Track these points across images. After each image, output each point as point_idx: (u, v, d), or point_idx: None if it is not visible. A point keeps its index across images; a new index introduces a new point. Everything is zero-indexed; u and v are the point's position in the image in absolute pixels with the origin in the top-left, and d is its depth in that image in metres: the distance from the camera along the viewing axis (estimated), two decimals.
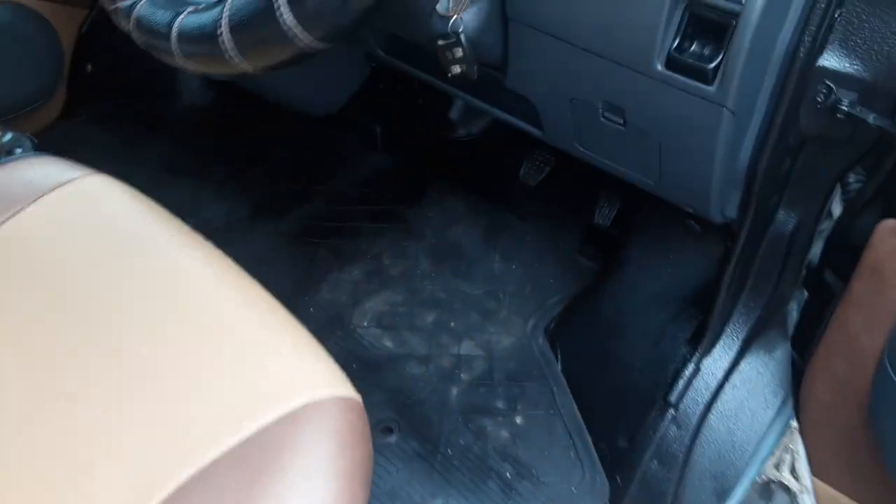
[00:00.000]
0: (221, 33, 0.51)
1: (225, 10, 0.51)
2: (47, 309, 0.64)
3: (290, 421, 0.56)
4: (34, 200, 0.74)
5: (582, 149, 0.75)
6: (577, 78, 0.66)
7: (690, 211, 0.72)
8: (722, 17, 0.52)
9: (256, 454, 0.54)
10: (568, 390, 0.99)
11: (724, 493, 0.80)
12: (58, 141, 1.02)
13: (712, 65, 0.54)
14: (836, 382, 0.65)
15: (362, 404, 0.61)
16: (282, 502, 0.52)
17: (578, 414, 0.96)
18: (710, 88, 0.56)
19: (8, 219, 0.72)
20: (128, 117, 1.49)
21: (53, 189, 0.75)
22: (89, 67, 1.51)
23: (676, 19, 0.55)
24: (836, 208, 0.71)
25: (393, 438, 0.97)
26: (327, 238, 1.25)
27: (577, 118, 0.71)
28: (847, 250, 0.64)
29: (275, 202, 1.32)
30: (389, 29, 0.84)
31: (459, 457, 0.95)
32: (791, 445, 0.93)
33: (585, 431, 0.94)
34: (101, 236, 0.71)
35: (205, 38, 0.52)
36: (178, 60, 0.56)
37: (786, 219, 0.71)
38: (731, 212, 0.69)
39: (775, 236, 0.72)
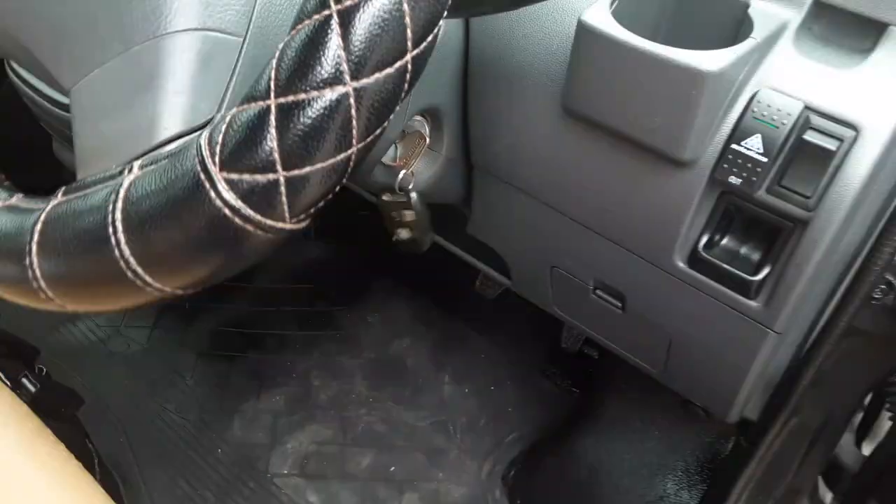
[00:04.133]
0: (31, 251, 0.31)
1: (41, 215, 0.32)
2: None
3: None
4: None
5: (563, 314, 0.60)
6: (560, 249, 0.51)
7: (699, 406, 0.57)
8: (777, 221, 0.38)
9: None
10: None
11: None
12: None
13: (758, 276, 0.40)
14: None
15: None
16: None
17: None
18: (753, 304, 0.41)
19: None
20: None
21: None
22: None
23: (710, 204, 0.40)
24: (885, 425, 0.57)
25: None
26: (244, 352, 1.06)
27: (558, 286, 0.56)
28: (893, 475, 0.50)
29: (180, 305, 1.11)
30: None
31: None
32: None
33: None
34: None
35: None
36: None
37: (812, 413, 0.57)
38: (753, 413, 0.54)
39: (796, 430, 0.58)
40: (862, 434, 0.63)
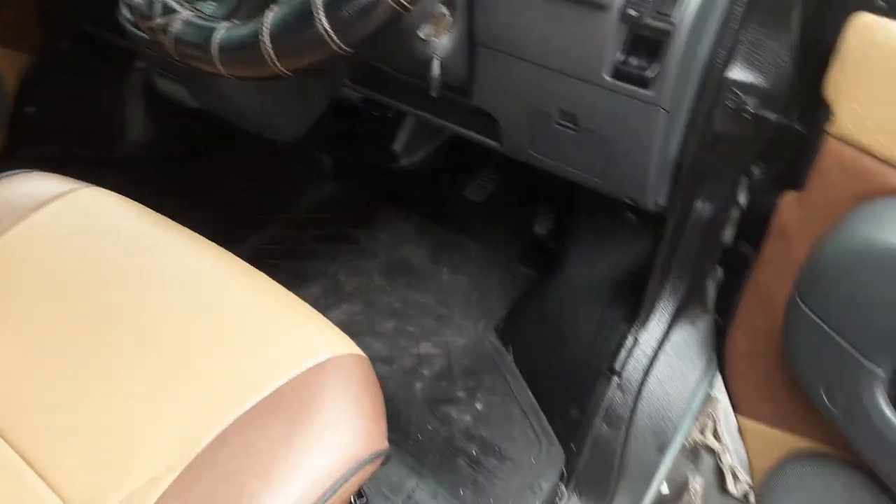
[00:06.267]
0: (263, 41, 0.61)
1: (265, 23, 0.62)
2: (78, 304, 0.70)
3: (317, 372, 0.65)
4: (36, 210, 0.79)
5: (536, 155, 0.89)
6: (536, 91, 0.81)
7: (629, 202, 0.87)
8: (657, 35, 0.68)
9: (292, 399, 0.62)
10: (521, 377, 1.10)
11: (663, 445, 0.93)
12: None
13: (650, 73, 0.70)
14: (755, 334, 0.80)
15: (369, 361, 0.70)
16: (319, 437, 0.60)
17: (532, 396, 1.07)
18: (649, 92, 0.71)
19: (10, 227, 0.77)
20: (71, 159, 1.52)
21: (53, 200, 0.80)
22: (32, 110, 1.53)
23: (621, 37, 0.70)
24: (742, 197, 0.88)
25: None
26: (284, 260, 1.33)
27: (534, 127, 0.85)
28: (757, 223, 0.80)
29: (231, 231, 1.38)
30: (364, 56, 0.96)
31: (428, 441, 1.03)
32: (712, 412, 1.08)
33: (539, 410, 1.05)
34: (111, 239, 0.78)
35: (246, 47, 0.63)
36: (218, 67, 0.66)
37: (703, 207, 0.87)
38: (662, 199, 0.84)
39: (695, 223, 0.88)
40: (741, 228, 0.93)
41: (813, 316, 0.65)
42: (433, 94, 0.81)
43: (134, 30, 0.95)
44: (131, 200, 0.85)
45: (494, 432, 1.04)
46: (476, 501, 0.96)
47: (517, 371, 1.12)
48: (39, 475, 0.58)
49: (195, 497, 0.54)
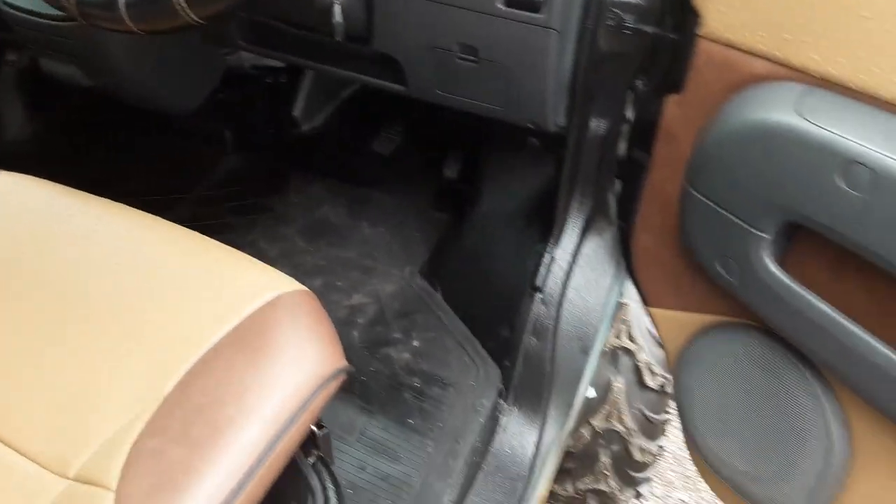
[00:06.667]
0: None
1: None
2: (20, 279, 0.69)
3: (270, 308, 0.68)
4: None
5: (442, 93, 0.94)
6: (435, 27, 0.85)
7: (531, 126, 0.93)
8: None
9: (251, 333, 0.65)
10: (451, 311, 1.17)
11: (586, 347, 1.02)
12: None
13: None
14: (655, 230, 0.89)
15: (315, 295, 0.73)
16: (283, 362, 0.63)
17: (464, 326, 1.14)
18: (541, 16, 0.77)
19: None
20: None
21: None
22: None
23: None
24: (629, 111, 0.96)
25: None
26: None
27: (437, 65, 0.90)
28: (647, 131, 0.88)
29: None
30: (262, 13, 0.97)
31: (373, 381, 1.08)
32: (624, 318, 1.19)
33: (472, 337, 1.12)
34: (42, 214, 0.77)
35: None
36: (128, 24, 0.66)
37: (598, 124, 0.95)
38: (561, 119, 0.91)
39: (592, 140, 0.96)
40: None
41: (703, 199, 0.74)
42: (338, 38, 0.84)
43: (12, 10, 0.92)
44: (48, 182, 0.84)
45: (434, 364, 1.10)
46: (425, 427, 1.02)
47: (447, 306, 1.18)
48: (4, 443, 0.59)
49: (172, 433, 0.56)
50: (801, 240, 0.70)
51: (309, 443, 0.68)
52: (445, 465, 0.97)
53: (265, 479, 0.57)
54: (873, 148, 0.58)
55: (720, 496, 0.91)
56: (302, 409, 0.60)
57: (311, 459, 0.67)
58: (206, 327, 0.64)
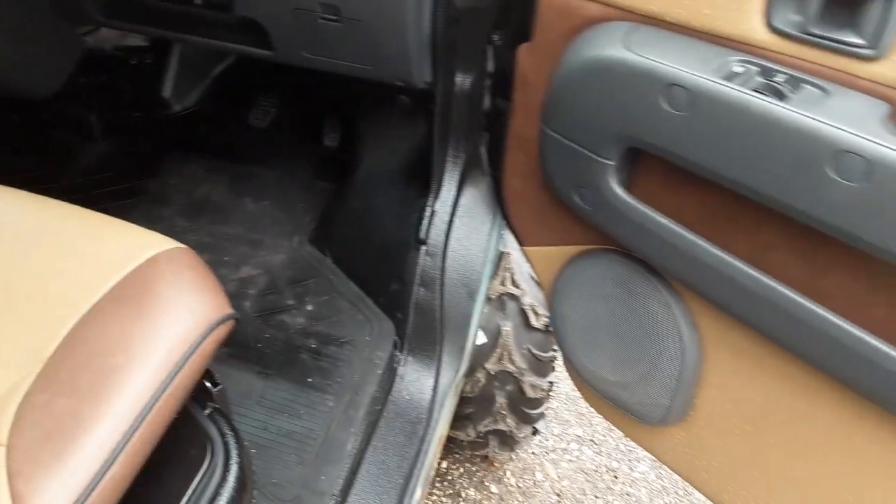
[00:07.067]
0: None
1: None
2: None
3: (150, 265, 0.69)
4: None
5: (309, 55, 0.96)
6: None
7: (400, 84, 0.98)
8: None
9: (133, 288, 0.66)
10: (342, 274, 1.20)
11: (473, 292, 1.08)
12: None
13: None
14: (521, 172, 0.96)
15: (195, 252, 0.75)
16: (168, 311, 0.65)
17: (356, 286, 1.17)
18: None
19: None
20: None
21: None
22: None
23: None
24: (490, 65, 1.03)
25: None
26: None
27: (301, 27, 0.92)
28: (506, 81, 0.95)
29: None
30: None
31: (269, 347, 1.10)
32: (507, 266, 1.26)
33: (365, 296, 1.16)
34: None
35: None
36: None
37: (463, 79, 1.00)
38: (427, 75, 0.96)
39: (459, 94, 1.01)
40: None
41: (555, 135, 0.81)
42: (197, 2, 0.84)
43: None
44: None
45: (329, 325, 1.13)
46: (324, 384, 1.05)
47: (338, 269, 1.21)
48: None
49: (59, 386, 0.57)
50: (640, 163, 0.78)
51: (205, 396, 0.70)
52: (347, 416, 1.01)
53: (157, 425, 0.58)
54: (688, 71, 0.66)
55: (597, 409, 1.00)
56: (190, 353, 0.61)
57: (208, 411, 0.69)
58: (85, 288, 0.65)
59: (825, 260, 0.68)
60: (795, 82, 0.62)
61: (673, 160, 0.71)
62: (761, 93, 0.62)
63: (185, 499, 0.60)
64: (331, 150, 1.35)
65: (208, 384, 0.71)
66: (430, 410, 1.06)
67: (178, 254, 0.70)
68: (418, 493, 0.97)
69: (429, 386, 1.08)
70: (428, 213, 1.08)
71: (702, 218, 0.75)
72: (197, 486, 0.61)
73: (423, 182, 1.13)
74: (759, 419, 0.81)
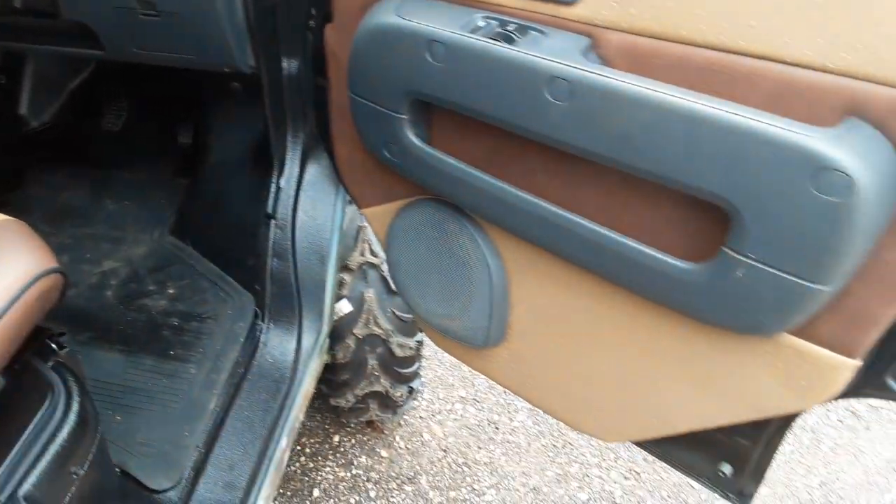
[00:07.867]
0: None
1: None
2: None
3: None
4: None
5: (138, 50, 1.04)
6: None
7: (228, 70, 1.07)
8: None
9: None
10: (202, 258, 1.27)
11: (323, 258, 1.18)
12: None
13: None
14: (345, 140, 1.06)
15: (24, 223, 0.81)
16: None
17: (215, 267, 1.25)
18: None
19: None
20: None
21: None
22: None
23: None
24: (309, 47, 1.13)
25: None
26: None
27: (124, 24, 1.00)
28: (323, 59, 1.05)
29: None
30: None
31: (130, 328, 1.16)
32: (364, 237, 1.37)
33: (224, 275, 1.24)
34: None
35: None
36: None
37: (289, 65, 1.11)
38: (251, 59, 1.06)
39: (288, 79, 1.11)
40: None
41: (360, 99, 0.92)
42: (17, 5, 0.91)
43: None
44: None
45: (190, 304, 1.20)
46: (186, 355, 1.12)
47: (198, 254, 1.28)
48: None
49: None
50: (433, 116, 0.90)
51: (48, 351, 0.76)
52: (209, 379, 1.08)
53: None
54: (444, 28, 0.78)
55: (437, 343, 1.12)
56: (11, 302, 0.68)
57: (51, 363, 0.76)
58: None
59: (576, 176, 0.81)
60: (523, 29, 0.76)
61: (445, 106, 0.83)
62: (496, 40, 0.75)
63: (24, 434, 0.67)
64: (187, 146, 1.42)
65: (52, 343, 0.78)
66: (294, 370, 1.15)
67: (7, 223, 0.77)
68: (283, 441, 1.06)
69: (291, 349, 1.17)
70: (273, 189, 1.18)
71: (485, 156, 0.88)
72: (37, 424, 0.68)
73: (269, 163, 1.22)
74: (561, 325, 0.94)
